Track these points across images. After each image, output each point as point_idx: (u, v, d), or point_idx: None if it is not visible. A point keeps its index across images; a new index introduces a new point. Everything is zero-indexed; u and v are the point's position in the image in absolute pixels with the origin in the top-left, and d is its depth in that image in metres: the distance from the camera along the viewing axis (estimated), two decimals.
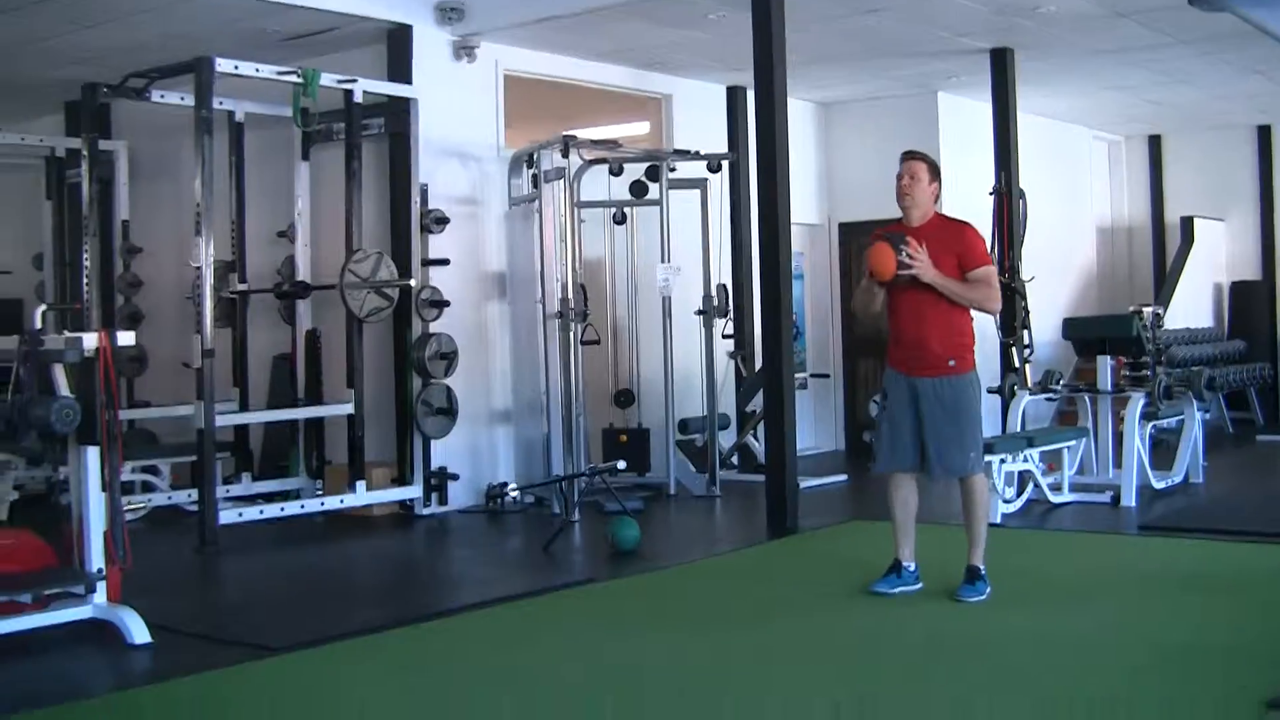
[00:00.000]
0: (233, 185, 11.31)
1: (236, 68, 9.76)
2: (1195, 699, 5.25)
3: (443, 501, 10.95)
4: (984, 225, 12.48)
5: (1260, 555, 8.28)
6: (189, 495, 10.62)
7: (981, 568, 7.18)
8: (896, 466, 7.30)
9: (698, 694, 5.56)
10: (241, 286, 11.35)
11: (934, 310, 7.13)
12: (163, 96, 10.51)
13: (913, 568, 7.30)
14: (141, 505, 10.67)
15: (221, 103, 10.52)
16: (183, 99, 10.30)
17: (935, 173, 7.36)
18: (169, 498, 10.96)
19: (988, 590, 7.11)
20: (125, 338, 6.96)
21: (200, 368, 9.43)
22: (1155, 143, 18.51)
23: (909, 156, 7.36)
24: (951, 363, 7.15)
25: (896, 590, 7.21)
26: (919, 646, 6.25)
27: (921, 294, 7.11)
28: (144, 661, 6.41)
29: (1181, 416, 11.33)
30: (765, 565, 8.66)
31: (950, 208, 14.28)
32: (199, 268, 9.42)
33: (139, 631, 6.63)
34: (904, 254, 7.00)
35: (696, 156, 11.93)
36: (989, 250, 8.06)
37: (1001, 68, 12.96)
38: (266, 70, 10.01)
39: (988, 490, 7.49)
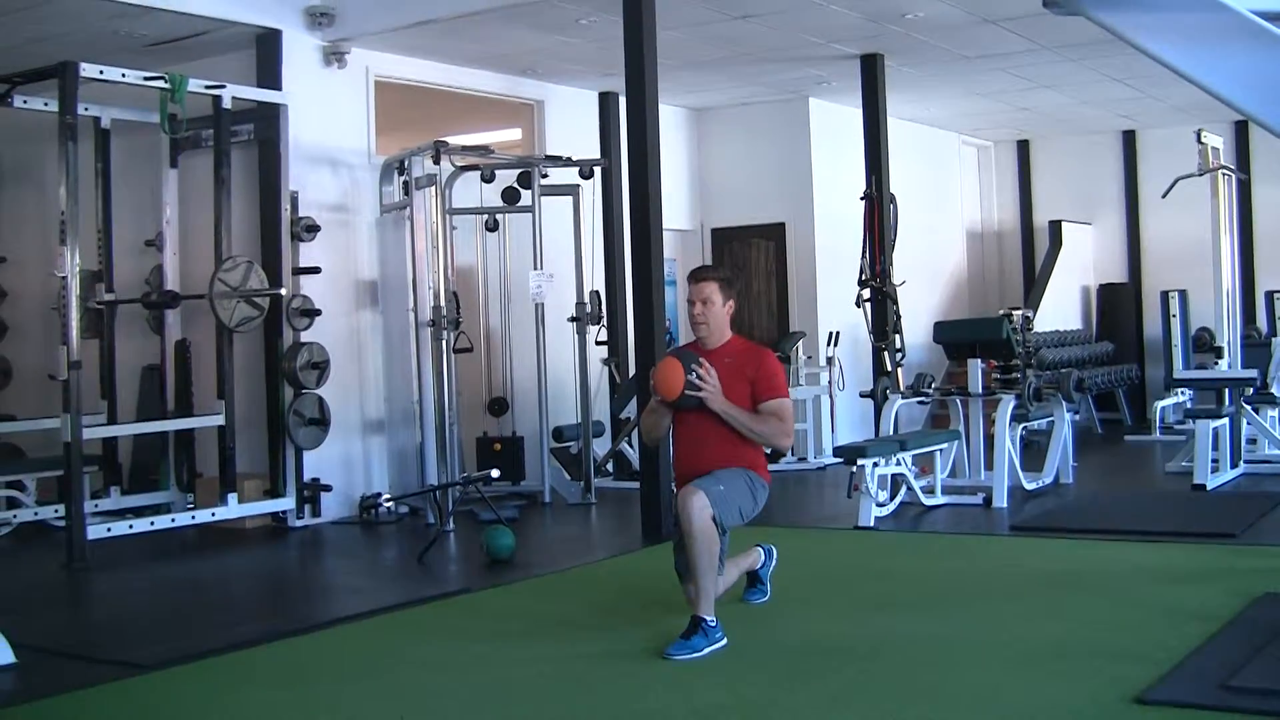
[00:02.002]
0: (99, 193, 11.14)
1: (102, 73, 9.63)
2: (1067, 696, 5.30)
3: (316, 513, 10.86)
4: (856, 230, 12.65)
5: (1129, 554, 8.40)
6: (56, 510, 10.41)
7: (707, 619, 6.22)
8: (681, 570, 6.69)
9: (574, 703, 5.54)
10: (109, 296, 11.17)
11: (717, 437, 6.53)
12: (26, 102, 10.35)
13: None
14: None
15: (87, 108, 10.40)
16: (47, 104, 10.13)
17: (728, 289, 6.70)
18: (35, 513, 10.73)
19: (707, 648, 6.12)
20: None
21: (66, 379, 9.27)
22: (1024, 148, 18.80)
23: (698, 278, 6.71)
24: None
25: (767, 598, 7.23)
26: (795, 649, 6.26)
27: (707, 421, 6.51)
28: (7, 682, 6.25)
29: (1051, 418, 11.47)
30: (640, 572, 8.63)
31: (821, 213, 14.64)
32: (64, 277, 9.26)
33: (2, 651, 6.46)
34: (694, 374, 6.40)
35: (569, 163, 11.91)
36: (784, 375, 6.87)
37: (871, 73, 13.10)
38: (133, 76, 9.88)
39: (712, 534, 6.27)
